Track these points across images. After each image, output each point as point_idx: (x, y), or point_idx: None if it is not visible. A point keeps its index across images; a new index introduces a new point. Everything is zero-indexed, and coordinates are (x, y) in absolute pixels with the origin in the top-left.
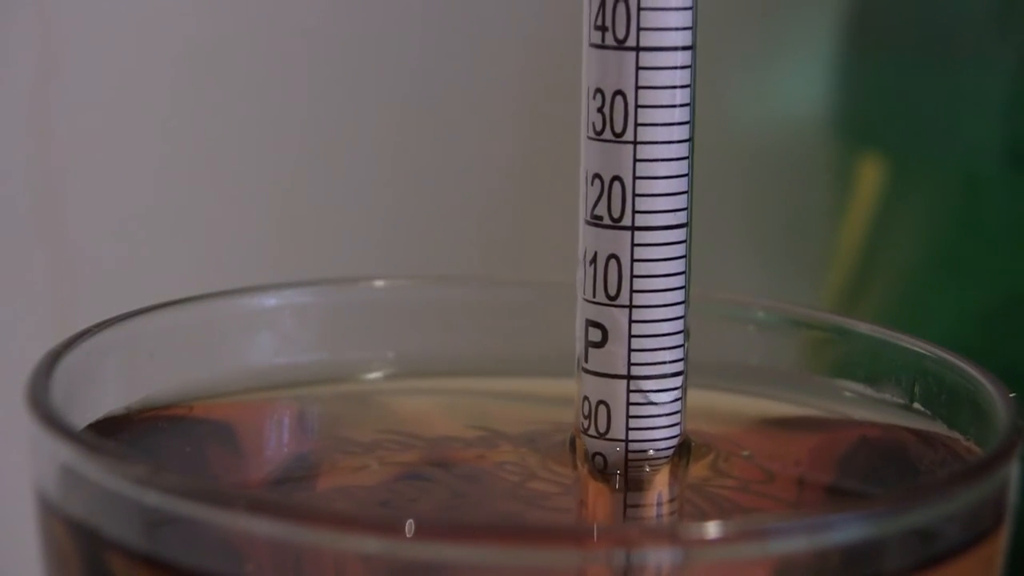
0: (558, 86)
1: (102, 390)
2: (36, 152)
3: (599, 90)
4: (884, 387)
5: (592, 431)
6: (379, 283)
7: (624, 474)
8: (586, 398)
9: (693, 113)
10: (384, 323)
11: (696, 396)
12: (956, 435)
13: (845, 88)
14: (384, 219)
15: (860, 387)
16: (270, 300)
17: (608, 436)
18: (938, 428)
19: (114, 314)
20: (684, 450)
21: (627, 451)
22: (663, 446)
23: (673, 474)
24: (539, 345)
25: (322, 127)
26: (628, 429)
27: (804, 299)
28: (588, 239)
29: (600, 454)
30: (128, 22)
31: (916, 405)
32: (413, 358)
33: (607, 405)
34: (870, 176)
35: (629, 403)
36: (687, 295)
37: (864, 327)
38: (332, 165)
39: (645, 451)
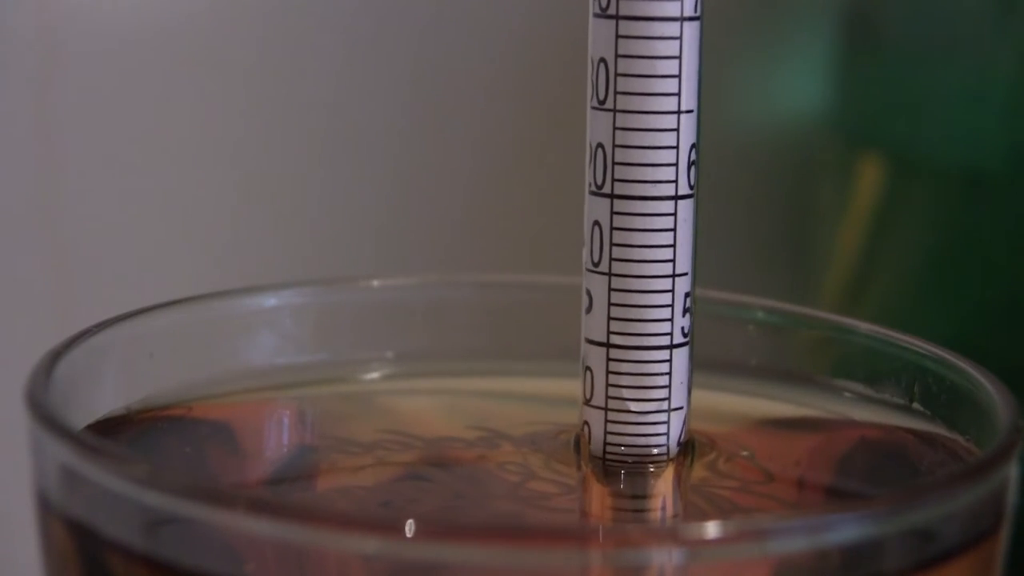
0: (560, 85)
1: (102, 390)
2: (36, 152)
3: (591, 58)
4: (884, 387)
5: (583, 396)
6: (378, 283)
7: (602, 455)
8: (581, 363)
9: (692, 86)
10: (384, 323)
11: (696, 396)
12: (956, 435)
13: (845, 88)
14: (384, 219)
15: (860, 387)
16: (270, 300)
17: (592, 403)
18: (938, 428)
19: (114, 314)
20: (688, 449)
21: (606, 420)
22: (643, 419)
23: (677, 474)
24: (539, 345)
25: (321, 127)
26: (608, 397)
27: (804, 299)
28: (586, 206)
29: (587, 422)
30: (129, 22)
31: (916, 405)
32: (413, 358)
33: (591, 371)
34: (870, 176)
35: (608, 371)
36: (682, 268)
37: (864, 327)
38: (332, 165)
39: (625, 422)
